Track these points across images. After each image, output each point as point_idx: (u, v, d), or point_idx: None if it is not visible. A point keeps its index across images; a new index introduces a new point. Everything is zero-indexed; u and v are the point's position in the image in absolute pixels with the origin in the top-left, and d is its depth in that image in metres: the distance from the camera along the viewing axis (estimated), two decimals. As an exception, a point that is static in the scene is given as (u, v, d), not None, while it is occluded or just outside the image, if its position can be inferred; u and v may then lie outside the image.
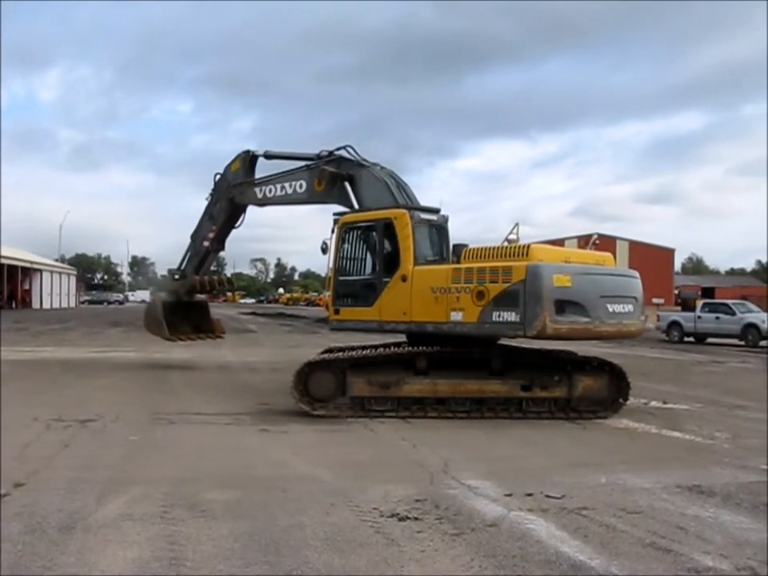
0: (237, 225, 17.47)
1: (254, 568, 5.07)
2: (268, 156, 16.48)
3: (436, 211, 13.29)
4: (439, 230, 13.14)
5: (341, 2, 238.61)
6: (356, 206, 13.83)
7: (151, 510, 6.33)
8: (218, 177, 17.21)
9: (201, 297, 18.94)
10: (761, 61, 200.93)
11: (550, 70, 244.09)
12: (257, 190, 16.11)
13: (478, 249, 12.17)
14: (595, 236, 13.57)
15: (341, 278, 13.41)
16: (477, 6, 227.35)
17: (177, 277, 18.54)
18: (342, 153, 14.44)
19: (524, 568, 5.15)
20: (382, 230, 12.78)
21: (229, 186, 16.85)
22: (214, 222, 17.35)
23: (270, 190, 15.73)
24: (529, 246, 11.52)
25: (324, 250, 13.35)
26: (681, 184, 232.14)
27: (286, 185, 15.26)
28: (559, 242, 52.91)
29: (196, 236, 17.84)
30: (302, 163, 15.29)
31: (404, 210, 12.67)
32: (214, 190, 17.30)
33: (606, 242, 56.04)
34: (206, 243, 17.48)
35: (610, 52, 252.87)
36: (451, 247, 13.00)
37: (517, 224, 11.56)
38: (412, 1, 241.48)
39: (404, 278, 12.30)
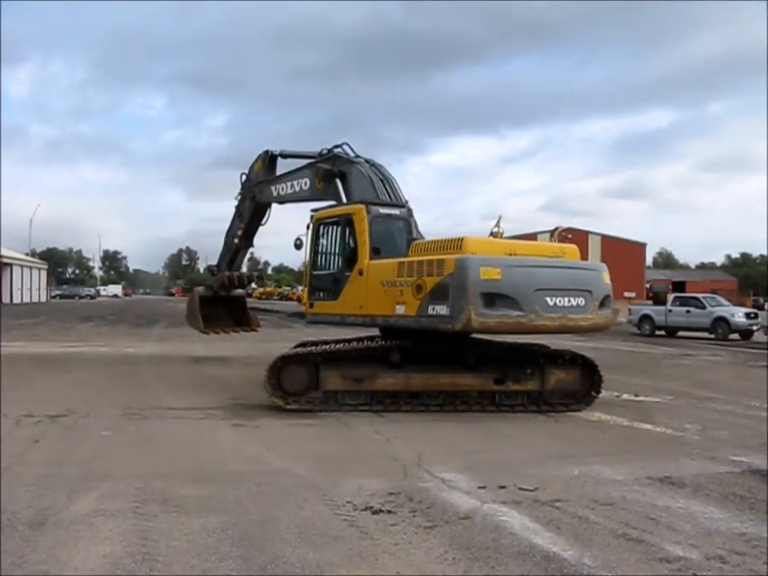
0: (263, 222, 17.88)
1: (228, 563, 5.05)
2: (283, 155, 16.89)
3: (401, 206, 13.36)
4: (402, 224, 13.20)
5: (310, 1, 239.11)
6: (345, 201, 13.94)
7: (123, 506, 6.29)
8: (244, 177, 17.58)
9: (239, 291, 19.33)
10: (726, 59, 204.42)
11: (517, 68, 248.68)
12: (272, 188, 16.49)
13: (423, 242, 12.24)
14: (559, 229, 13.48)
15: (314, 273, 13.60)
16: (443, 6, 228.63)
17: (213, 272, 19.14)
18: (339, 151, 14.65)
19: (497, 560, 5.18)
20: (344, 225, 12.99)
21: (251, 185, 17.27)
22: (241, 220, 17.82)
23: (283, 188, 16.10)
24: (463, 239, 11.37)
25: (297, 246, 13.51)
26: (649, 179, 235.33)
27: (294, 183, 15.63)
28: (532, 236, 53.26)
29: (228, 234, 18.39)
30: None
31: (361, 206, 12.78)
32: (241, 189, 17.72)
33: (579, 237, 56.45)
34: (235, 240, 17.95)
35: (576, 51, 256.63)
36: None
37: (500, 217, 11.59)
38: (380, 0, 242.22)
39: (360, 272, 12.42)
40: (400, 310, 11.53)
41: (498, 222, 12.48)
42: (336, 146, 14.65)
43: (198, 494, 6.76)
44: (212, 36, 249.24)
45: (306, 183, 15.15)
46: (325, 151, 14.85)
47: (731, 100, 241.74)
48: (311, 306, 13.59)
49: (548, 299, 10.97)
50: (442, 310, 10.88)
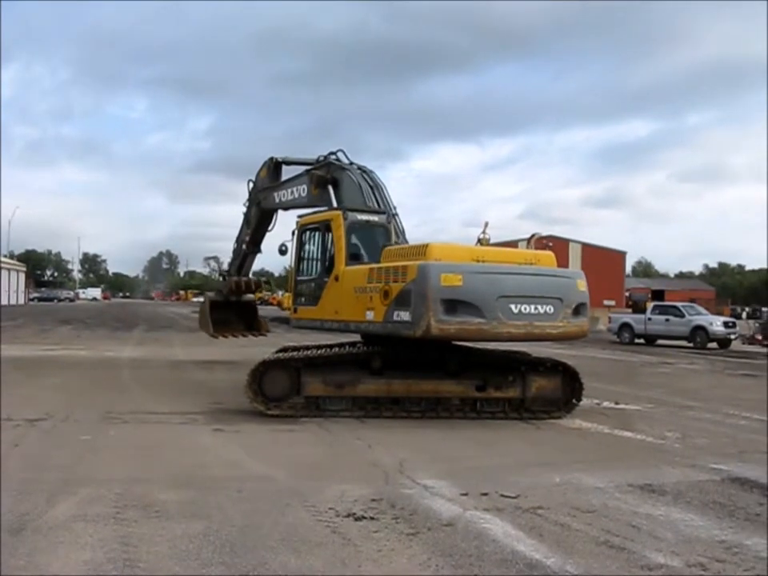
0: (270, 228, 17.95)
1: (210, 569, 5.01)
2: (286, 162, 17.01)
3: (381, 213, 13.42)
4: (382, 230, 13.24)
5: (293, 3, 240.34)
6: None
7: (104, 511, 6.23)
8: (251, 184, 17.70)
9: (250, 296, 19.45)
10: (703, 71, 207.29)
11: (499, 77, 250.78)
12: (275, 194, 16.61)
13: (393, 248, 12.24)
14: (536, 236, 13.42)
15: (298, 278, 13.75)
16: (425, 15, 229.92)
17: (224, 277, 19.42)
18: (333, 158, 14.78)
19: (480, 567, 5.18)
20: (323, 231, 13.14)
21: (257, 192, 17.41)
22: (248, 226, 17.97)
23: (284, 195, 16.22)
24: (427, 245, 11.36)
25: (282, 252, 13.67)
26: (628, 189, 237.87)
27: (294, 189, 15.76)
28: (513, 243, 53.44)
29: (237, 240, 18.57)
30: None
31: (338, 212, 12.89)
32: (248, 195, 17.90)
33: (559, 244, 56.64)
34: (243, 246, 18.15)
35: (557, 61, 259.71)
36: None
37: (487, 223, 11.54)
38: (363, 2, 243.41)
39: (336, 278, 12.49)
40: (369, 315, 11.55)
41: (485, 228, 12.49)
42: (331, 153, 14.78)
43: (178, 499, 6.72)
44: (195, 40, 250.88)
45: (303, 190, 15.26)
46: (321, 158, 14.96)
47: (709, 112, 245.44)
48: (295, 311, 13.73)
49: (512, 306, 10.85)
50: (405, 315, 10.87)
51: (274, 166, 16.97)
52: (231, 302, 18.85)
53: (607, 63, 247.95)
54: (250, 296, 19.42)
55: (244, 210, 17.92)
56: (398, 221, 13.61)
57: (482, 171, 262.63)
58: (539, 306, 11.06)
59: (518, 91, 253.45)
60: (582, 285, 11.79)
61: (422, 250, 11.33)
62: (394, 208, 13.73)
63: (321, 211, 13.93)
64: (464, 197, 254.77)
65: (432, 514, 6.43)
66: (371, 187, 13.81)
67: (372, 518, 6.27)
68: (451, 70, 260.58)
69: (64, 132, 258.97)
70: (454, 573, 5.09)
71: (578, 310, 11.56)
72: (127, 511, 6.27)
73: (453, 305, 10.59)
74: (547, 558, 5.37)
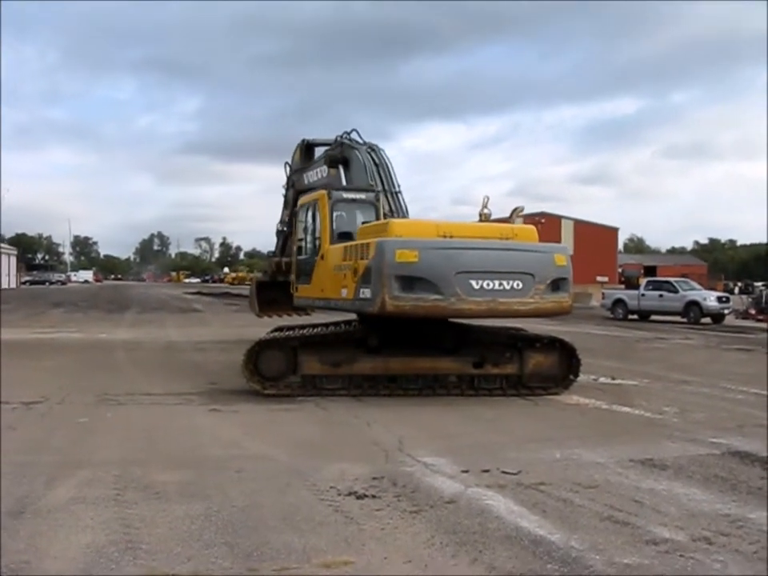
0: None
1: (213, 550, 4.96)
2: (316, 144, 17.39)
3: (369, 191, 13.48)
4: (369, 208, 13.26)
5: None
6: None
7: (103, 493, 6.18)
8: (288, 167, 18.04)
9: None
10: (689, 49, 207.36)
11: (484, 58, 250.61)
12: (305, 176, 16.85)
13: (365, 226, 12.26)
14: (518, 210, 13.32)
15: (298, 258, 13.96)
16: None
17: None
18: (346, 137, 15.04)
19: (485, 544, 5.14)
20: (314, 211, 13.29)
21: (292, 174, 17.79)
22: (287, 207, 18.23)
23: (311, 176, 16.49)
24: (389, 222, 11.41)
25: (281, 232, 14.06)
26: (616, 166, 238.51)
27: (317, 170, 16.09)
28: (506, 220, 53.34)
29: (280, 222, 18.84)
30: None
31: (324, 192, 13.01)
32: (287, 178, 18.26)
33: (551, 221, 56.72)
34: (284, 228, 18.41)
35: (541, 42, 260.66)
36: None
37: (487, 198, 11.43)
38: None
39: (322, 257, 12.61)
40: (344, 293, 11.59)
41: (486, 203, 12.43)
42: (346, 133, 15.01)
43: (178, 480, 6.67)
44: (180, 21, 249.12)
45: (324, 171, 15.58)
46: (338, 138, 15.23)
47: (695, 89, 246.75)
48: (296, 289, 13.94)
49: (473, 282, 10.57)
50: (367, 292, 10.84)
51: (305, 148, 17.35)
52: (278, 283, 19.08)
53: (593, 42, 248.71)
54: None
55: (283, 192, 18.24)
56: (399, 198, 13.70)
57: (470, 149, 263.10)
58: (504, 282, 10.75)
59: (504, 70, 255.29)
60: (562, 260, 11.36)
61: (383, 227, 11.36)
62: (398, 186, 13.83)
63: (314, 191, 13.99)
64: (453, 175, 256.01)
65: (434, 492, 6.39)
66: (376, 165, 13.89)
67: (374, 497, 6.23)
68: (436, 50, 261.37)
69: (52, 115, 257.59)
70: (459, 550, 5.04)
71: (556, 286, 11.22)
72: (127, 493, 6.22)
73: (409, 281, 10.44)
74: (552, 534, 5.34)
